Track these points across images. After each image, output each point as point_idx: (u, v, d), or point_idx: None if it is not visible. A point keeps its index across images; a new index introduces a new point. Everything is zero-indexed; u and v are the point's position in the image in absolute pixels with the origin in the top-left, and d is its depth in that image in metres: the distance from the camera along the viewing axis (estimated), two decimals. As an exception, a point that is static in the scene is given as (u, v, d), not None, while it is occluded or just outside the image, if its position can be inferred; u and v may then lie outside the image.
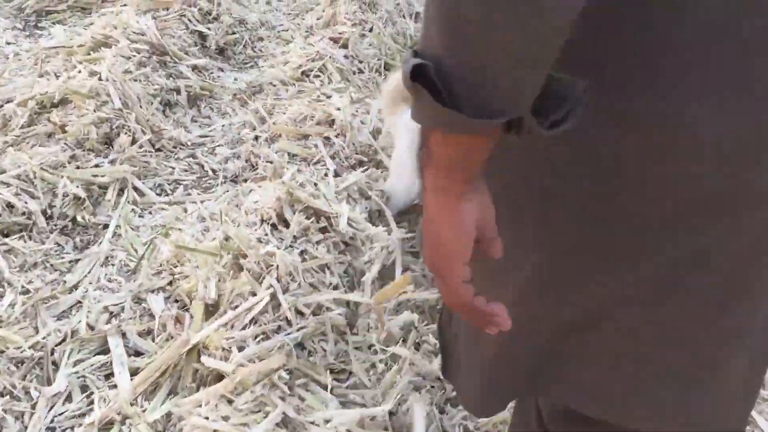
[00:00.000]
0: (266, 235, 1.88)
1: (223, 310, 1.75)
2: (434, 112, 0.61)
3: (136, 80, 2.86)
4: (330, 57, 3.11)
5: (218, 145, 2.81)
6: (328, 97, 2.83)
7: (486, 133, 0.63)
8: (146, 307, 1.97)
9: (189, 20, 3.53)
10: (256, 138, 2.71)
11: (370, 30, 3.64)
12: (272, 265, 1.79)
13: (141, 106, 2.76)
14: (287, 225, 1.92)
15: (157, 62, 3.06)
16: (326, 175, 2.40)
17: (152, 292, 2.01)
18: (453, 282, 0.71)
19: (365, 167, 2.50)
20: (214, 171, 2.67)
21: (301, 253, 1.86)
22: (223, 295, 1.78)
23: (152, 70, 2.99)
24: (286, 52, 3.41)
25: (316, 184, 2.27)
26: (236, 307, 1.73)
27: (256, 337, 1.68)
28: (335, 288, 1.85)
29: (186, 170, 2.69)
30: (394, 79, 2.40)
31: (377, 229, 2.02)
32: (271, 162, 2.52)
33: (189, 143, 2.82)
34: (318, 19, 3.79)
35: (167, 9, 3.51)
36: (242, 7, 4.06)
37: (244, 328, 1.70)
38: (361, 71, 3.34)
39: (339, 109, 2.64)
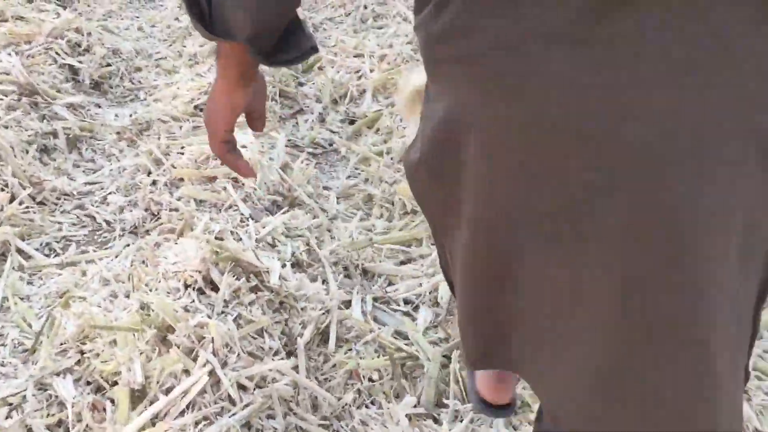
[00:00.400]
0: (193, 302, 1.67)
1: (154, 395, 1.53)
2: (192, 24, 0.91)
3: (6, 127, 2.53)
4: (224, 88, 2.90)
5: (110, 193, 2.53)
6: (229, 132, 2.63)
7: (230, 46, 0.91)
8: (53, 394, 1.71)
9: (57, 53, 3.20)
10: (154, 183, 2.47)
11: (260, 56, 3.46)
12: (205, 337, 1.59)
13: (16, 156, 2.44)
14: (215, 288, 1.72)
15: (27, 104, 2.73)
16: (243, 221, 2.21)
17: (58, 375, 1.75)
18: (215, 138, 1.03)
19: (282, 208, 2.33)
20: (108, 223, 2.40)
21: (236, 318, 1.67)
22: (151, 377, 1.56)
23: (23, 113, 2.67)
24: (171, 84, 3.16)
25: (233, 233, 2.08)
26: (169, 390, 1.52)
27: (197, 424, 1.48)
28: (276, 353, 1.68)
29: (75, 224, 2.40)
30: (413, 78, 2.27)
31: (313, 285, 1.86)
32: (176, 210, 2.29)
33: (75, 193, 2.53)
34: (201, 46, 3.56)
35: (29, 42, 3.16)
36: (113, 35, 3.76)
37: (181, 414, 1.49)
38: (256, 101, 3.15)
39: (244, 146, 2.45)
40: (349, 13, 4.39)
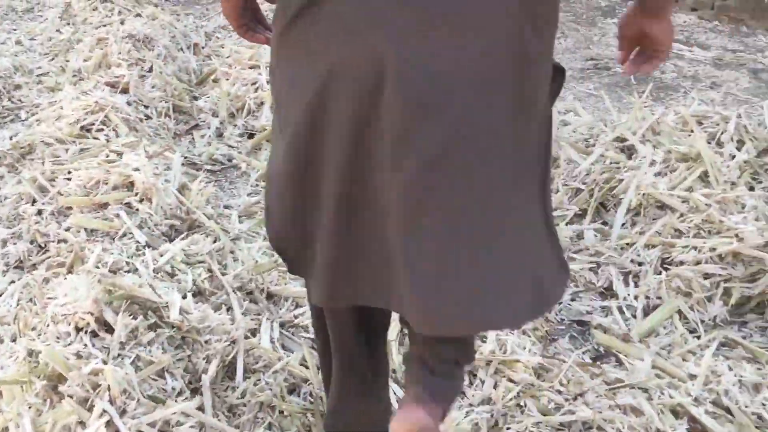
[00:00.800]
0: (86, 347, 1.56)
1: (47, 452, 1.42)
2: None
3: None
4: (112, 107, 2.75)
5: (-10, 225, 2.35)
6: (120, 155, 2.49)
7: None
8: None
9: (-76, 72, 2.96)
10: (40, 212, 2.30)
11: (150, 70, 3.31)
12: (101, 385, 1.49)
13: None
14: (109, 329, 1.62)
15: None
16: (138, 250, 2.09)
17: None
18: (234, 24, 1.35)
19: (181, 234, 2.23)
20: (-10, 258, 2.23)
21: (134, 360, 1.57)
22: (43, 432, 1.45)
23: None
24: (54, 103, 2.97)
25: (129, 263, 1.97)
26: (63, 445, 1.42)
27: (96, 480, 1.38)
28: (179, 394, 1.59)
29: (-48, 261, 2.22)
30: None
31: (217, 316, 1.78)
32: (65, 241, 2.15)
33: (-49, 226, 2.33)
34: (86, 60, 3.37)
35: None
36: (-11, 50, 3.52)
37: (78, 471, 1.39)
38: (148, 117, 3.01)
39: (137, 169, 2.33)
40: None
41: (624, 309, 2.17)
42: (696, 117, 3.30)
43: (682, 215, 2.38)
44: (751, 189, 2.78)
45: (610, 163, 2.64)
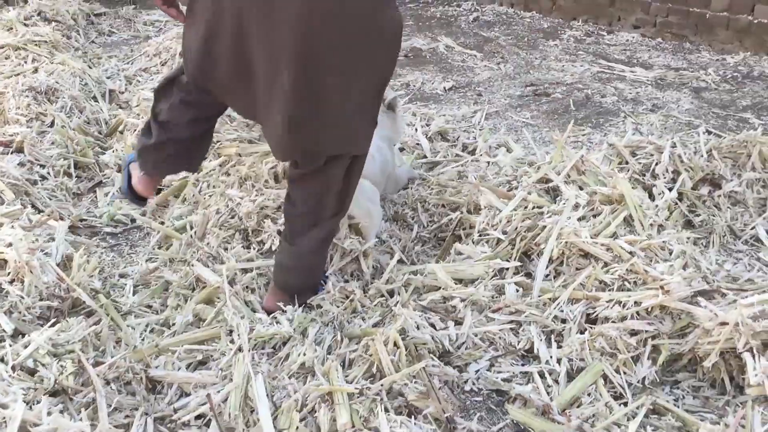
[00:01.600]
0: None
1: None
2: None
3: None
4: (-4, 171, 2.54)
5: None
6: (0, 225, 2.28)
7: None
8: None
9: None
10: None
11: (52, 124, 3.10)
12: None
13: None
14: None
15: None
16: (2, 341, 1.88)
17: None
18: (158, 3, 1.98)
19: (56, 317, 2.02)
20: None
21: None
22: None
23: None
24: (-58, 167, 2.74)
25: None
26: None
27: None
28: None
29: None
30: None
31: (73, 424, 1.57)
32: None
33: None
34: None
35: None
36: None
37: None
38: (44, 178, 2.80)
39: (10, 244, 2.12)
40: (165, 62, 4.10)
41: (546, 374, 1.99)
42: (630, 148, 3.17)
43: (606, 264, 2.21)
44: (689, 223, 2.65)
45: (533, 207, 2.48)
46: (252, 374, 1.77)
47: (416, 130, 3.39)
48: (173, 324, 2.09)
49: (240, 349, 1.86)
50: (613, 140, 3.20)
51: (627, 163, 3.09)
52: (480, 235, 2.43)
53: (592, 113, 3.99)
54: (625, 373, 1.97)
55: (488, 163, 2.99)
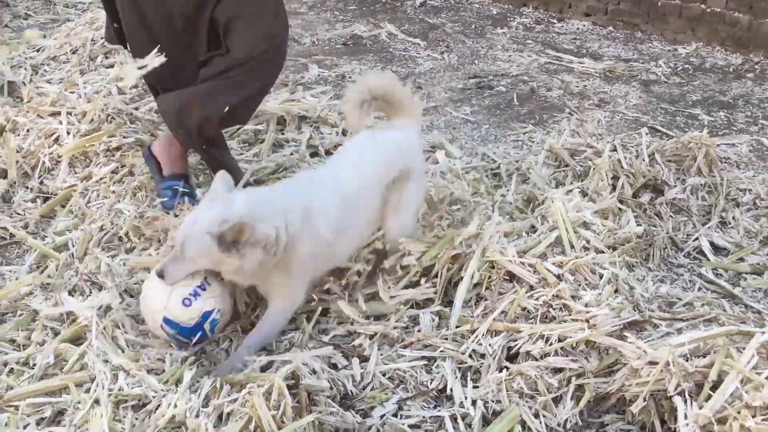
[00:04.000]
0: None
1: None
2: None
3: None
4: None
5: None
6: None
7: None
8: None
9: None
10: None
11: (-72, 123, 2.75)
12: None
13: None
14: None
15: None
16: None
17: None
18: None
19: None
20: None
21: None
22: None
23: None
24: None
25: None
26: None
27: None
28: None
29: None
30: (369, 80, 2.17)
31: None
32: None
33: None
34: None
35: None
36: None
37: None
38: None
39: None
40: (76, 50, 3.75)
41: (459, 418, 1.76)
42: (569, 150, 2.96)
43: (532, 288, 1.99)
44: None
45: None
46: (108, 434, 1.51)
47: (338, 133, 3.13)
48: (35, 364, 1.81)
49: (97, 402, 1.60)
50: (551, 143, 2.99)
51: (567, 166, 2.88)
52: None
53: (535, 108, 3.77)
54: (545, 416, 1.76)
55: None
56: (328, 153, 3.02)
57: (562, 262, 2.01)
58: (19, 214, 2.49)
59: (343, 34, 4.90)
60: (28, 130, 2.73)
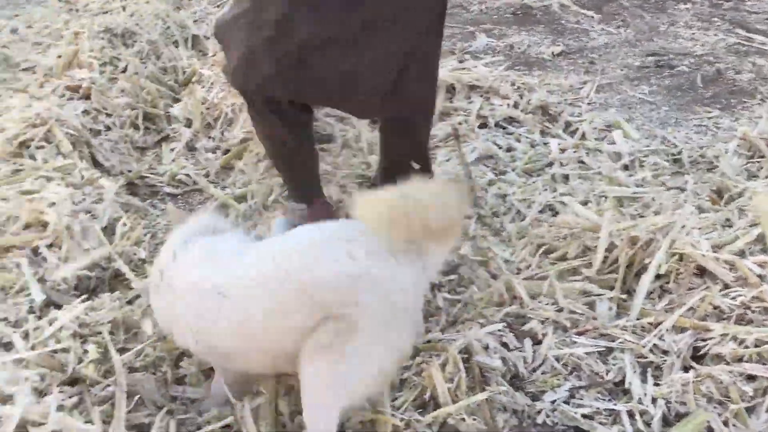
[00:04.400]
0: None
1: None
2: None
3: None
4: (57, 119, 2.39)
5: None
6: (49, 180, 2.13)
7: None
8: None
9: None
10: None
11: (124, 70, 2.93)
12: None
13: None
14: None
15: None
16: (31, 312, 1.73)
17: None
18: None
19: (94, 290, 1.85)
20: None
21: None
22: None
23: None
24: (7, 110, 2.62)
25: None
26: None
27: None
28: None
29: None
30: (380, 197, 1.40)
31: (82, 426, 1.39)
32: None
33: None
34: (59, 57, 3.03)
35: None
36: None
37: None
38: (108, 129, 2.64)
39: (53, 204, 1.96)
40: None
41: (637, 414, 1.66)
42: (766, 139, 2.70)
43: (726, 287, 1.83)
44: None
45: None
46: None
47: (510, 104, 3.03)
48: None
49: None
50: (745, 130, 2.74)
51: (762, 157, 2.63)
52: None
53: (722, 92, 3.47)
54: (734, 425, 1.62)
55: (597, 151, 2.61)
56: (497, 125, 2.94)
57: (765, 262, 1.83)
58: (200, 162, 2.60)
59: (513, 2, 4.74)
60: (212, 83, 2.83)
